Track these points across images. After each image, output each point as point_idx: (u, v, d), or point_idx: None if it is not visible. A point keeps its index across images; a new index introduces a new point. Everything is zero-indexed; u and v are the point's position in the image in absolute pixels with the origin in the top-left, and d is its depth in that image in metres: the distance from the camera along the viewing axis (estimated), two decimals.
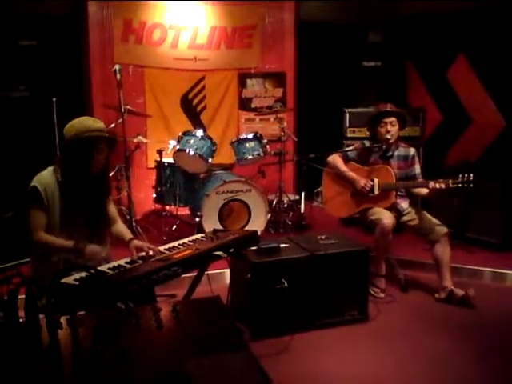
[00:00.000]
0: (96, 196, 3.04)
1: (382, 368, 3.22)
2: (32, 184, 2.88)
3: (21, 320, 1.66)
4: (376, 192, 4.24)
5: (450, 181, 3.92)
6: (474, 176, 3.87)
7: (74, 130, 2.90)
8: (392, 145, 4.30)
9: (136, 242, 2.99)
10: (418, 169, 4.34)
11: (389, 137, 4.21)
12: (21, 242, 3.62)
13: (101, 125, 2.97)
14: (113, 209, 3.22)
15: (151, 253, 2.90)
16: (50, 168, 2.97)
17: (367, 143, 4.40)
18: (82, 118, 2.97)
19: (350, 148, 4.51)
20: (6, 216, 4.17)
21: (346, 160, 4.42)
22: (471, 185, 3.87)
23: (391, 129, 4.22)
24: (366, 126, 4.46)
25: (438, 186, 3.96)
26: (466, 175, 3.88)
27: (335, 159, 4.43)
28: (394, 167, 4.28)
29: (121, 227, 3.19)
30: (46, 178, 2.91)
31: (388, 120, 4.23)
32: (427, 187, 4.06)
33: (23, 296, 1.63)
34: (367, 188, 4.24)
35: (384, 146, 4.28)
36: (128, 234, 3.11)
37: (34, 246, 2.91)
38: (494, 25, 5.84)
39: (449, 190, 3.94)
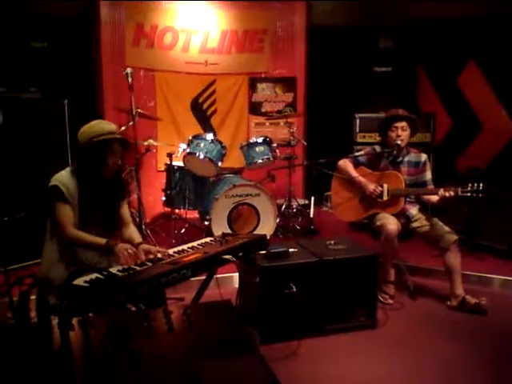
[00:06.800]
0: (110, 198, 3.09)
1: (391, 374, 3.21)
2: (53, 183, 2.91)
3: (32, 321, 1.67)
4: (385, 198, 4.23)
5: (460, 189, 3.90)
6: (484, 184, 3.84)
7: (87, 134, 2.94)
8: (402, 150, 4.29)
9: (145, 246, 3.01)
10: (428, 175, 4.30)
11: (399, 141, 4.19)
12: (32, 243, 3.65)
13: (112, 126, 3.03)
14: (126, 211, 3.26)
15: (160, 255, 2.91)
16: (68, 169, 3.01)
17: (378, 148, 4.38)
18: (93, 122, 3.01)
19: (361, 153, 4.50)
20: (19, 216, 4.19)
21: (356, 165, 4.41)
22: (480, 194, 3.84)
23: (402, 133, 4.20)
24: (377, 130, 4.44)
25: (447, 194, 3.93)
26: (475, 184, 3.86)
27: (345, 164, 4.42)
28: (404, 173, 4.26)
29: (131, 230, 3.22)
30: (65, 178, 2.94)
31: (399, 125, 4.21)
32: (436, 195, 4.05)
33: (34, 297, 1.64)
34: (376, 193, 4.23)
35: (394, 152, 4.27)
36: (137, 238, 3.14)
37: (65, 241, 2.90)
38: (505, 31, 5.83)
39: (459, 198, 3.93)
